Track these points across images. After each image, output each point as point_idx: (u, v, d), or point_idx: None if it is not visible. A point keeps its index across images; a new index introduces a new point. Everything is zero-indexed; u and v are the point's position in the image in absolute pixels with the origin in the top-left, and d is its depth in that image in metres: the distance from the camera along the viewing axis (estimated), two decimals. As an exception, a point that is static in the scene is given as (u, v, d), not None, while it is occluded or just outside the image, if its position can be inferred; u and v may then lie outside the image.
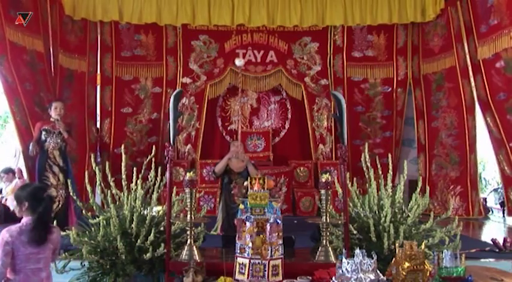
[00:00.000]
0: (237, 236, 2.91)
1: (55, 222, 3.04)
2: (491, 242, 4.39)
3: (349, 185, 3.71)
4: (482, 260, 3.82)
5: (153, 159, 3.67)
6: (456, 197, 6.75)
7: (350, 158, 7.00)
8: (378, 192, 3.60)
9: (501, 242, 4.30)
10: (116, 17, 6.93)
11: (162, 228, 3.45)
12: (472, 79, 6.60)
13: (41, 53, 6.11)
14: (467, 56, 6.61)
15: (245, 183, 3.20)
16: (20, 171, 7.63)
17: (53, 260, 2.87)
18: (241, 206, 2.94)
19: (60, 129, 5.31)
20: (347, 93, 7.43)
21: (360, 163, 3.84)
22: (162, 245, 3.23)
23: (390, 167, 3.64)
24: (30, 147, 5.26)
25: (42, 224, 2.73)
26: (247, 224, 2.85)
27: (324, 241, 3.26)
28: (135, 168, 3.59)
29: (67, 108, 6.80)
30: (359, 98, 7.56)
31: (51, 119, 5.37)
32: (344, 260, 2.40)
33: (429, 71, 7.30)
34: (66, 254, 3.35)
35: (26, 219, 2.76)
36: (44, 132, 5.29)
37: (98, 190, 3.67)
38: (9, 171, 7.03)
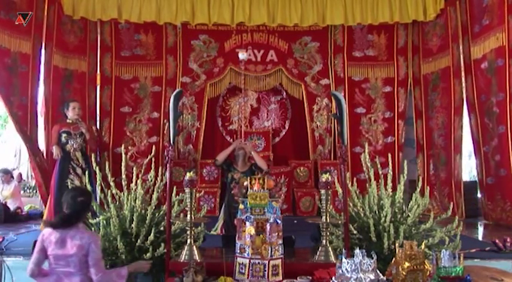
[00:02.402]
0: (237, 236, 2.91)
1: None
2: (491, 242, 4.39)
3: (349, 185, 3.71)
4: (482, 260, 3.81)
5: (153, 159, 3.68)
6: (446, 198, 6.74)
7: (350, 167, 6.93)
8: (377, 191, 3.61)
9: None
10: (115, 15, 6.90)
11: (162, 228, 3.45)
12: (463, 79, 6.57)
13: (27, 54, 6.02)
14: (461, 56, 6.59)
15: (245, 183, 3.20)
16: (20, 175, 7.64)
17: (95, 269, 2.68)
18: (241, 206, 2.95)
19: (82, 130, 5.29)
20: (348, 93, 7.41)
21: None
22: (162, 245, 3.23)
23: (390, 166, 3.65)
24: (54, 151, 5.22)
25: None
26: (247, 224, 2.85)
27: (324, 241, 3.26)
28: (135, 168, 3.60)
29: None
30: (360, 98, 7.54)
31: (68, 121, 5.33)
32: (344, 260, 2.41)
33: (428, 71, 7.30)
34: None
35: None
36: (64, 135, 5.25)
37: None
38: (8, 173, 7.04)
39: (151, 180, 3.67)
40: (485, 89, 6.07)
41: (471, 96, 6.40)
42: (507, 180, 5.69)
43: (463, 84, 6.56)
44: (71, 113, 5.32)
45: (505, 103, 5.64)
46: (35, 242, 3.80)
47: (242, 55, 6.46)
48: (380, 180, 3.63)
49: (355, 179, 3.82)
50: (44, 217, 5.18)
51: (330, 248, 3.23)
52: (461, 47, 6.58)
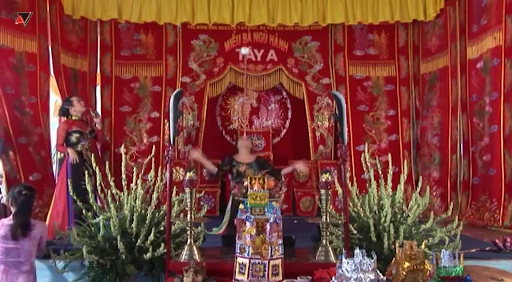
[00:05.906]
0: (237, 236, 2.92)
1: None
2: (492, 242, 4.39)
3: (349, 185, 3.71)
4: (482, 260, 3.81)
5: (153, 159, 3.68)
6: (437, 198, 6.71)
7: (354, 166, 6.88)
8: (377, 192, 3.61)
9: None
10: (115, 15, 6.89)
11: (162, 228, 3.45)
12: (459, 79, 6.57)
13: (34, 54, 5.98)
14: (458, 56, 6.58)
15: (245, 183, 3.21)
16: None
17: (38, 254, 3.08)
18: (241, 206, 2.95)
19: (95, 120, 5.09)
20: (350, 92, 7.39)
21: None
22: (162, 245, 3.24)
23: (390, 166, 3.65)
24: (71, 155, 4.80)
25: (18, 219, 2.99)
26: (247, 223, 2.85)
27: (324, 241, 3.26)
28: (135, 168, 3.60)
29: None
30: (362, 96, 7.50)
31: (74, 118, 5.02)
32: (344, 259, 2.41)
33: (426, 71, 7.29)
34: (66, 254, 3.36)
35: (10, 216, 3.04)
36: (75, 134, 4.90)
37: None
38: None
39: (152, 180, 3.67)
40: (478, 89, 6.06)
41: (464, 96, 6.41)
42: (496, 180, 5.63)
43: (459, 84, 6.56)
44: (78, 107, 5.01)
45: (499, 102, 5.63)
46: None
47: (244, 50, 6.43)
48: (380, 181, 3.63)
49: (355, 179, 3.82)
50: (47, 221, 4.80)
51: (330, 248, 3.23)
52: (458, 47, 6.58)
